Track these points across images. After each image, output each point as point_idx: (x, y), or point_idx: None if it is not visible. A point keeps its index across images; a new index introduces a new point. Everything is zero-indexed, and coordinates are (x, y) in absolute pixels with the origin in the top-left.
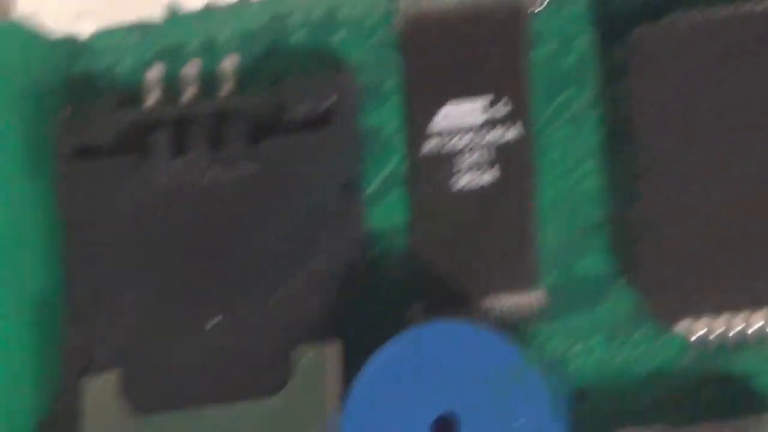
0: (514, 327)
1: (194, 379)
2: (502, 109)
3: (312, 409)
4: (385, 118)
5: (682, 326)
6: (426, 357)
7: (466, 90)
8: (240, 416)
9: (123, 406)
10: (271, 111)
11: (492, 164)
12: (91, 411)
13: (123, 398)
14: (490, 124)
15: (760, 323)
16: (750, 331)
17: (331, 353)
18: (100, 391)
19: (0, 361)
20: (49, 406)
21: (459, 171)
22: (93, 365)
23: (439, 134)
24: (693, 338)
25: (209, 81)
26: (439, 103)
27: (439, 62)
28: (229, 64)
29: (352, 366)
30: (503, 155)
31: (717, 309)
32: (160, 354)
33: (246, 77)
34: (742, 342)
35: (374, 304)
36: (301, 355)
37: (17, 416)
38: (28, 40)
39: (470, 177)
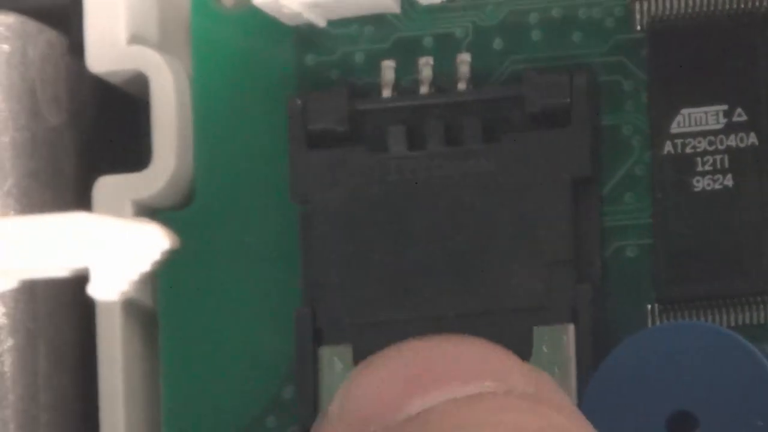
0: (753, 328)
1: None
2: (740, 117)
3: None
4: (621, 119)
5: None
6: (664, 355)
7: (704, 95)
8: None
9: None
10: (509, 106)
11: (730, 169)
12: (328, 380)
13: None
14: (728, 129)
15: None
16: None
17: (570, 333)
18: (336, 362)
19: (241, 338)
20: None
21: (699, 173)
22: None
23: (679, 136)
24: None
25: (444, 76)
26: (679, 106)
27: (680, 65)
28: (464, 59)
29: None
30: (741, 161)
31: None
32: (395, 333)
33: (481, 74)
34: None
35: (611, 301)
36: (540, 335)
37: (257, 388)
38: (265, 28)
39: (709, 180)
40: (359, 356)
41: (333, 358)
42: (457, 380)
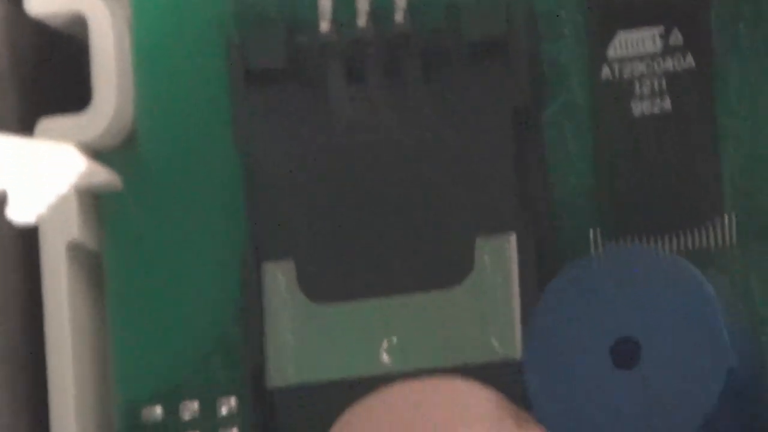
0: (695, 255)
1: (376, 271)
2: (677, 39)
3: (496, 297)
4: (559, 47)
5: None
6: (607, 281)
7: (641, 19)
8: (424, 306)
9: (301, 293)
10: (447, 37)
11: (669, 92)
12: (272, 296)
13: (301, 287)
14: (665, 52)
15: None
16: None
17: (512, 242)
18: (279, 277)
19: (186, 279)
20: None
21: (637, 97)
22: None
23: (617, 61)
24: None
25: (380, 8)
26: (615, 28)
27: None
28: None
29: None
30: (678, 84)
31: None
32: (337, 248)
33: (417, 5)
34: None
35: (554, 229)
36: (483, 245)
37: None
38: None
39: (649, 104)
40: (302, 272)
41: (276, 273)
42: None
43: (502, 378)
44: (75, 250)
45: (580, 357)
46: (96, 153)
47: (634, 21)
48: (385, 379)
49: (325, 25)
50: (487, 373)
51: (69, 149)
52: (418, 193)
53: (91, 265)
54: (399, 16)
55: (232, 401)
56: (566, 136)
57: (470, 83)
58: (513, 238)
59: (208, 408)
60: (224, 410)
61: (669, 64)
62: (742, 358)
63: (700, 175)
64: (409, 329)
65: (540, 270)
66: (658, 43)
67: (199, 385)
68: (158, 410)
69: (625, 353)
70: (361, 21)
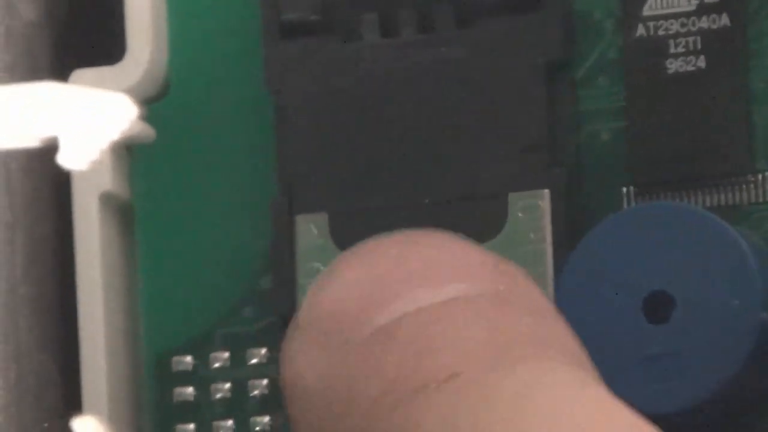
0: (727, 211)
1: (409, 225)
2: None
3: (528, 253)
4: (594, 3)
5: None
6: (640, 237)
7: None
8: None
9: (334, 245)
10: None
11: (703, 50)
12: (304, 248)
13: (334, 239)
14: (700, 11)
15: None
16: None
17: (545, 199)
18: (312, 229)
19: (217, 229)
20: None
21: (671, 55)
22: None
23: (651, 18)
24: None
25: None
26: None
27: None
28: None
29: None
30: (713, 42)
31: None
32: (370, 200)
33: None
34: None
35: (586, 185)
36: (516, 201)
37: (234, 278)
38: None
39: (682, 61)
40: (335, 224)
41: (309, 226)
42: (424, 285)
43: None
44: (107, 200)
45: (612, 311)
46: None
47: None
48: None
49: None
50: None
51: (122, 98)
52: (452, 147)
53: (123, 215)
54: None
55: (263, 352)
56: (600, 93)
57: (504, 37)
58: (546, 194)
59: (239, 358)
60: (254, 360)
61: (704, 22)
62: None
63: (732, 133)
64: None
65: (572, 226)
66: (693, 1)
67: (230, 336)
68: (188, 360)
69: (658, 308)
70: None
